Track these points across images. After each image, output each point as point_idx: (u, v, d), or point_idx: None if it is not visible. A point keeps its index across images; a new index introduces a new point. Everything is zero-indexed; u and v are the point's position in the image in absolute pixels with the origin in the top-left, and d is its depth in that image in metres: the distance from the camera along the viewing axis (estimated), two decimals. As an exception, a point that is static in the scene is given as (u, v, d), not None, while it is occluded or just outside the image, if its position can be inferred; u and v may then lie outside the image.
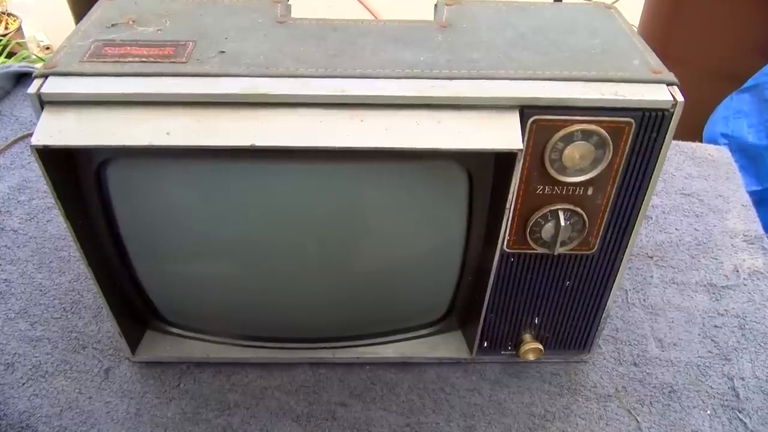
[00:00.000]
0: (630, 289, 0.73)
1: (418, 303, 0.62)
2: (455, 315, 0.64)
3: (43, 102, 0.47)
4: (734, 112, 1.34)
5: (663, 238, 0.79)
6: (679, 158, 0.89)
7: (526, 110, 0.48)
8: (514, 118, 0.47)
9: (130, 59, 0.49)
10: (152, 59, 0.49)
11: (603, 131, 0.48)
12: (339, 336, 0.64)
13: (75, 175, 0.50)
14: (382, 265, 0.57)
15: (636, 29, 1.57)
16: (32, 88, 0.47)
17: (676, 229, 0.80)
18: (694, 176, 0.88)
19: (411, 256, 0.57)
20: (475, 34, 0.54)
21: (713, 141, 1.35)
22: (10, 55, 1.83)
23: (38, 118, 0.47)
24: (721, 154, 0.91)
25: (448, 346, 0.65)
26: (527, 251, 0.56)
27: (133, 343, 0.63)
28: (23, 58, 1.79)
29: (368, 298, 0.60)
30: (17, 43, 1.89)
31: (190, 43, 0.51)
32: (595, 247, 0.56)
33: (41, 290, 0.71)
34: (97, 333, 0.67)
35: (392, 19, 0.57)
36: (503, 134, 0.47)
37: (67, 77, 0.48)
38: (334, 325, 0.64)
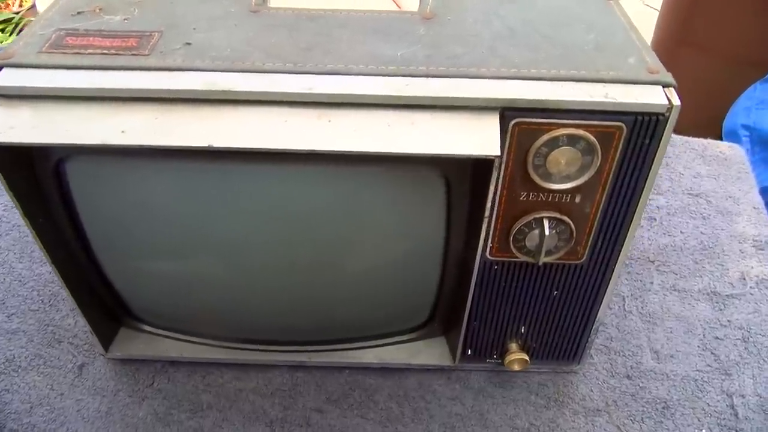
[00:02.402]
0: (628, 296, 0.69)
1: (398, 308, 0.59)
2: (438, 321, 0.61)
3: (-2, 96, 0.45)
4: (757, 103, 1.28)
5: (666, 241, 0.75)
6: (688, 156, 0.85)
7: (507, 112, 0.44)
8: (493, 121, 0.44)
9: (91, 51, 0.47)
10: (114, 51, 0.47)
11: (591, 136, 0.45)
12: (317, 339, 0.62)
13: (33, 172, 0.48)
14: (358, 268, 0.54)
15: (657, 15, 1.50)
16: (-15, 82, 0.45)
17: (681, 232, 0.76)
18: (703, 175, 0.83)
19: (388, 260, 0.54)
20: (460, 26, 0.50)
21: (733, 132, 1.29)
22: (22, 33, 1.82)
23: None
24: (734, 152, 0.86)
25: (430, 352, 0.62)
26: (511, 259, 0.52)
27: (106, 340, 0.61)
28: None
29: (345, 302, 0.58)
30: (30, 20, 1.88)
31: (156, 34, 0.48)
32: (584, 257, 0.53)
33: (20, 280, 0.69)
34: (74, 327, 0.65)
35: (375, 9, 0.53)
36: (480, 139, 0.43)
37: (23, 69, 0.45)
38: (311, 328, 0.61)
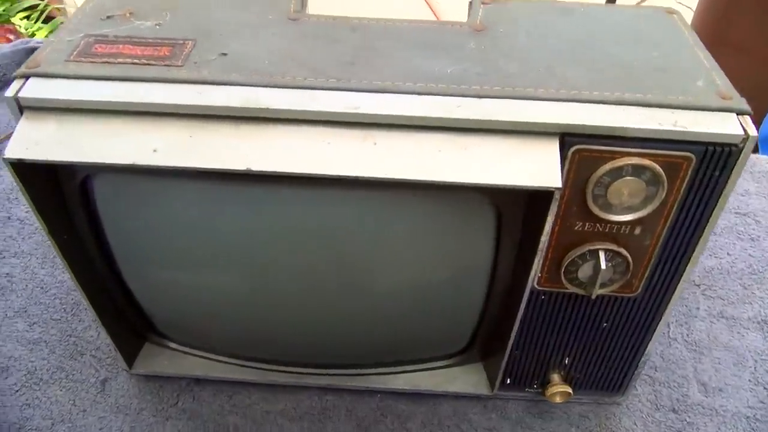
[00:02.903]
0: (672, 322, 0.65)
1: (436, 333, 0.56)
2: (476, 347, 0.58)
3: (22, 107, 0.42)
4: (797, 109, 1.22)
5: (713, 264, 0.71)
6: (736, 172, 0.80)
7: (567, 138, 0.40)
8: (552, 148, 0.40)
9: (121, 60, 0.43)
10: (145, 61, 0.43)
11: (657, 167, 0.41)
12: (349, 363, 0.59)
13: (58, 188, 0.45)
14: (396, 294, 0.51)
15: (691, 17, 1.43)
16: (11, 91, 0.42)
17: (728, 254, 0.72)
18: (751, 193, 0.78)
19: (428, 286, 0.50)
20: (513, 40, 0.46)
21: (768, 142, 1.24)
22: (47, 20, 1.80)
23: (16, 123, 0.42)
24: (785, 168, 0.81)
25: (466, 379, 0.59)
26: (560, 290, 0.49)
27: (130, 356, 0.58)
28: (60, 23, 1.76)
29: (380, 327, 0.54)
30: (56, 7, 1.86)
31: (189, 43, 0.45)
32: (639, 289, 0.49)
33: (42, 287, 0.67)
34: (96, 339, 0.62)
35: (421, 19, 0.49)
36: (539, 168, 0.39)
37: (49, 79, 0.42)
38: (344, 351, 0.58)
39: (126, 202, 0.46)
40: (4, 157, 0.40)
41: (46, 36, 1.63)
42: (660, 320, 0.51)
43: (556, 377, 0.56)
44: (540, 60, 0.45)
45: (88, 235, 0.48)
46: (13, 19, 1.69)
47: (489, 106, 0.41)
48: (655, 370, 0.61)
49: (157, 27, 0.47)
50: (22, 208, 0.74)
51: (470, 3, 0.50)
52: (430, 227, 0.46)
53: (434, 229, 0.46)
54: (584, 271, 0.47)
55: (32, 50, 0.88)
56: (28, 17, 1.72)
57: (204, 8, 0.49)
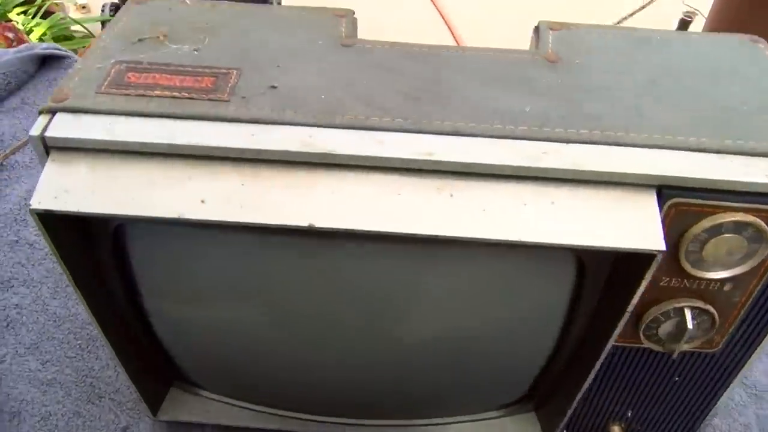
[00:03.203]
0: (729, 362, 0.61)
1: (493, 386, 0.51)
2: (533, 398, 0.53)
3: (48, 147, 0.37)
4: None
5: None
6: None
7: (664, 191, 0.36)
8: (650, 203, 0.36)
9: (159, 92, 0.38)
10: (186, 94, 0.38)
11: (762, 223, 0.36)
12: (392, 414, 0.54)
13: (87, 238, 0.40)
14: (457, 348, 0.46)
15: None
16: (36, 129, 0.36)
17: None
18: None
19: (492, 340, 0.46)
20: (591, 74, 0.42)
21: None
22: (46, 15, 1.72)
23: (41, 165, 0.37)
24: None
25: (518, 429, 0.54)
26: (634, 345, 0.44)
27: (155, 403, 0.54)
28: (60, 19, 1.69)
29: (437, 380, 0.50)
30: (54, 3, 1.78)
31: (234, 72, 0.40)
32: (720, 345, 0.44)
33: (55, 321, 0.62)
34: (115, 380, 0.57)
35: (482, 46, 0.44)
36: (639, 227, 0.35)
37: (79, 115, 0.37)
38: (387, 402, 0.53)
39: (164, 252, 0.41)
40: (31, 207, 0.35)
41: (45, 33, 1.56)
42: (737, 376, 0.47)
43: (616, 429, 0.52)
44: (624, 98, 0.40)
45: (118, 284, 0.43)
46: (9, 15, 1.61)
47: (578, 154, 0.36)
48: (714, 416, 0.57)
49: (196, 52, 0.42)
50: (32, 230, 0.69)
51: (537, 29, 0.46)
52: (500, 280, 0.41)
53: (505, 282, 0.41)
54: (665, 328, 0.43)
55: (38, 57, 0.82)
56: (25, 12, 1.65)
57: (245, 31, 0.44)
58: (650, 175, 0.36)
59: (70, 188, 0.35)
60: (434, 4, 1.57)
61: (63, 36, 1.65)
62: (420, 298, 0.42)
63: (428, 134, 0.37)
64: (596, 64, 0.43)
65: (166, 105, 0.38)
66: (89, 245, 0.40)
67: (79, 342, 0.60)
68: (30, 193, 0.72)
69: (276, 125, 0.37)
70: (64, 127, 0.36)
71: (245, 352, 0.48)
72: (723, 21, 1.25)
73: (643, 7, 1.80)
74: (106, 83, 0.39)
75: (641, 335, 0.43)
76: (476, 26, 1.77)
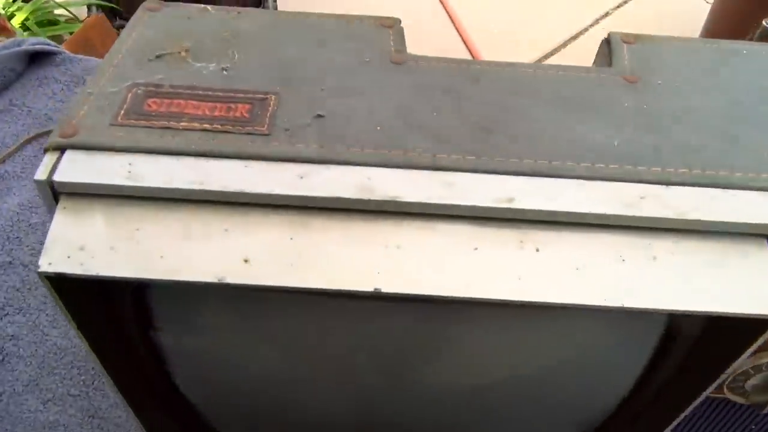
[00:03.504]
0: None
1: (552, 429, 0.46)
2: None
3: (57, 193, 0.31)
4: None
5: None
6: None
7: (776, 241, 0.31)
8: (762, 257, 0.31)
9: (185, 123, 0.32)
10: (218, 125, 0.32)
11: None
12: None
13: (106, 299, 0.34)
14: (525, 405, 0.41)
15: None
16: (42, 171, 0.30)
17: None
18: None
19: (556, 386, 0.41)
20: (676, 96, 0.36)
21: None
22: (27, -2, 1.62)
23: (50, 214, 0.31)
24: None
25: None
26: (716, 395, 0.40)
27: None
28: (43, 3, 1.59)
29: (496, 424, 0.45)
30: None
31: (272, 98, 0.34)
32: (807, 396, 0.40)
33: (56, 353, 0.56)
34: (126, 422, 0.52)
35: (545, 63, 0.39)
36: (752, 287, 0.30)
37: (92, 153, 0.31)
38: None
39: (191, 313, 0.35)
40: (39, 270, 0.29)
41: (27, 18, 1.47)
42: (818, 423, 0.43)
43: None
44: (717, 124, 0.35)
45: (139, 346, 0.37)
46: (-12, -2, 1.51)
47: (680, 198, 0.31)
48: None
49: (225, 72, 0.35)
50: (26, 250, 0.63)
51: (608, 42, 0.40)
52: (580, 341, 0.36)
53: (580, 340, 0.36)
54: (754, 381, 0.38)
55: (28, 54, 0.75)
56: (5, -6, 1.55)
57: (278, 45, 0.38)
58: (763, 224, 0.30)
59: (85, 245, 0.29)
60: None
61: (47, 20, 1.55)
62: (484, 354, 0.37)
63: (504, 175, 0.31)
64: (679, 83, 0.37)
65: (195, 140, 0.32)
66: (109, 307, 0.34)
67: (83, 378, 0.54)
68: (23, 207, 0.65)
69: (327, 165, 0.31)
70: (75, 169, 0.30)
71: (281, 406, 0.42)
72: (721, 23, 1.20)
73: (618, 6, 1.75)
74: (122, 112, 0.33)
75: (725, 388, 0.38)
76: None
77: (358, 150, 0.32)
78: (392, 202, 0.30)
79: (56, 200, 0.31)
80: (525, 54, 1.67)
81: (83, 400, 0.53)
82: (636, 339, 0.36)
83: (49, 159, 0.31)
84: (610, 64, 0.39)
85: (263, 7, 1.02)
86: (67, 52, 0.78)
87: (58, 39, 1.20)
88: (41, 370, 0.55)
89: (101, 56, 1.14)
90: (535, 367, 0.38)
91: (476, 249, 0.30)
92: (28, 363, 0.55)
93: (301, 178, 0.31)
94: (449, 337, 0.36)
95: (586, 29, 1.81)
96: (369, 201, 0.30)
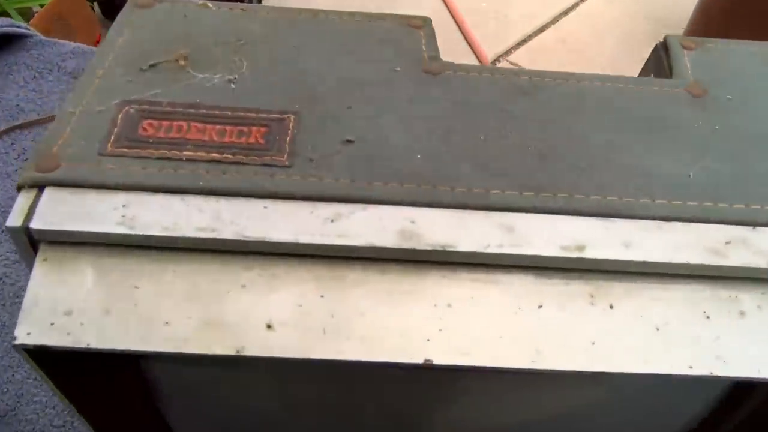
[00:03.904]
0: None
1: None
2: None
3: (35, 241, 0.25)
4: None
5: None
6: None
7: None
8: None
9: (190, 152, 0.27)
10: (230, 155, 0.27)
11: None
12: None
13: (101, 372, 0.28)
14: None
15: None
16: (15, 216, 0.25)
17: None
18: None
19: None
20: (752, 113, 0.32)
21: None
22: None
23: (27, 267, 0.25)
24: None
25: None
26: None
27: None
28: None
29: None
30: None
31: (291, 118, 0.29)
32: None
33: (36, 378, 0.50)
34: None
35: (597, 73, 0.34)
36: None
37: (78, 192, 0.25)
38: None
39: (199, 386, 0.30)
40: (16, 343, 0.23)
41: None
42: None
43: None
44: None
45: (146, 418, 0.32)
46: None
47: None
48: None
49: (233, 86, 0.30)
50: (-2, 260, 0.56)
51: (666, 47, 0.35)
52: (636, 394, 0.32)
53: (642, 396, 0.32)
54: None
55: (4, 36, 0.67)
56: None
57: (294, 51, 0.32)
58: None
59: (72, 308, 0.24)
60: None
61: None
62: (527, 413, 0.33)
63: (572, 216, 0.26)
64: (753, 98, 0.32)
65: (203, 174, 0.26)
66: (107, 379, 0.28)
67: (67, 408, 0.49)
68: (-7, 211, 0.59)
69: (361, 204, 0.26)
70: (57, 212, 0.25)
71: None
72: (701, 31, 1.16)
73: None
74: (112, 138, 0.27)
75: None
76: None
77: (398, 185, 0.27)
78: (442, 251, 0.25)
79: (35, 250, 0.25)
80: (516, 29, 1.61)
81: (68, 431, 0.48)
82: (702, 391, 0.32)
83: (24, 199, 0.25)
84: (669, 74, 0.34)
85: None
86: (39, 34, 0.70)
87: (26, 13, 1.11)
88: (19, 399, 0.49)
89: (75, 34, 1.05)
90: (586, 417, 0.34)
91: (541, 307, 0.25)
92: (4, 390, 0.49)
93: (332, 221, 0.25)
94: (490, 396, 0.31)
95: (576, 4, 1.75)
96: (414, 250, 0.25)
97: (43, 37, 0.70)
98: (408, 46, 0.33)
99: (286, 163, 0.27)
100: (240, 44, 0.32)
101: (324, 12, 0.34)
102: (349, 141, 0.28)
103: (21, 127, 0.61)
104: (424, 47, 0.33)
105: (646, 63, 0.37)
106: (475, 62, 1.51)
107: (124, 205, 0.25)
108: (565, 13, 1.78)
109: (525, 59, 1.54)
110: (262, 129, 0.28)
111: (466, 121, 0.29)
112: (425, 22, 0.34)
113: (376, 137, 0.28)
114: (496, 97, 0.31)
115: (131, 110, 0.28)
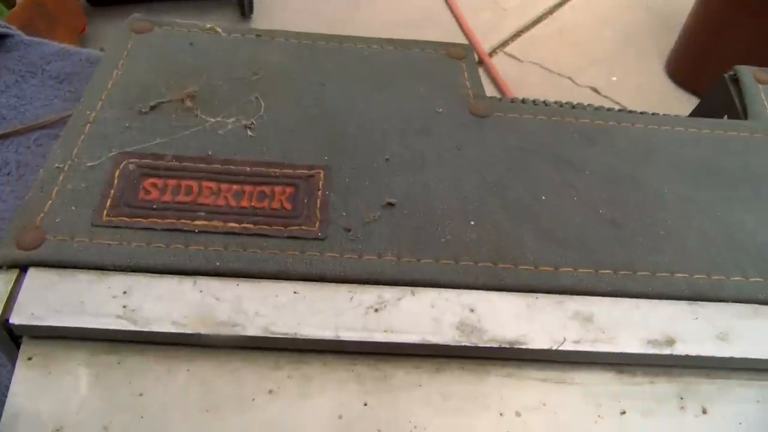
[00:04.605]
0: None
1: None
2: None
3: (17, 337, 0.20)
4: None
5: None
6: None
7: None
8: None
9: (203, 220, 0.22)
10: (250, 224, 0.22)
11: None
12: None
13: None
14: None
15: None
16: (-9, 309, 0.20)
17: None
18: None
19: None
20: None
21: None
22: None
23: (9, 365, 0.21)
24: None
25: None
26: None
27: None
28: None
29: None
30: None
31: (320, 174, 0.24)
32: None
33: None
34: None
35: (664, 115, 0.29)
36: None
37: (67, 274, 0.21)
38: None
39: None
40: (-8, 472, 0.19)
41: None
42: None
43: None
44: None
45: None
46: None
47: None
48: None
49: (250, 133, 0.25)
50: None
51: (736, 79, 0.30)
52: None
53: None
54: None
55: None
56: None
57: (319, 87, 0.27)
58: None
59: (64, 425, 0.19)
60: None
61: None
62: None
63: (655, 299, 0.22)
64: None
65: (219, 250, 0.21)
66: None
67: None
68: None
69: (410, 288, 0.21)
70: (43, 301, 0.20)
71: None
72: (700, 28, 1.12)
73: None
74: (108, 203, 0.22)
75: None
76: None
77: (451, 262, 0.22)
78: (509, 349, 0.21)
79: (17, 344, 0.20)
80: (512, 20, 1.56)
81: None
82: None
83: (2, 284, 0.20)
84: (743, 113, 0.29)
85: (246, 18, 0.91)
86: (20, 33, 0.64)
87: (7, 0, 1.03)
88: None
89: (57, 24, 0.98)
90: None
91: (624, 413, 0.21)
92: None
93: (375, 310, 0.21)
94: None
95: (574, -6, 1.70)
96: (476, 347, 0.21)
97: (25, 37, 0.64)
98: (449, 81, 0.28)
99: (318, 234, 0.22)
100: (256, 79, 0.27)
101: (350, 39, 0.29)
102: (389, 204, 0.23)
103: (2, 137, 0.56)
104: (467, 82, 0.28)
105: (707, 96, 0.33)
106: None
107: (124, 292, 0.20)
108: (562, 3, 1.73)
109: (521, 51, 1.49)
110: (288, 189, 0.23)
111: (524, 175, 0.25)
112: (466, 51, 0.29)
113: (421, 198, 0.24)
114: (555, 143, 0.26)
115: (130, 166, 0.23)
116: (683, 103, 1.04)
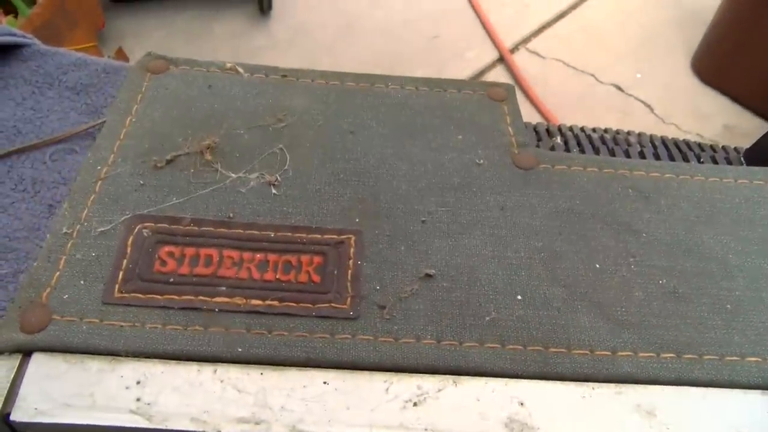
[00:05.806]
0: None
1: None
2: None
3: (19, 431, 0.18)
4: None
5: None
6: None
7: None
8: None
9: (224, 297, 0.20)
10: (276, 300, 0.20)
11: None
12: None
13: None
14: None
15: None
16: (-8, 402, 0.18)
17: None
18: None
19: None
20: None
21: None
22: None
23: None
24: None
25: None
26: None
27: None
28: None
29: None
30: None
31: (351, 241, 0.21)
32: None
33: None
34: None
35: (721, 166, 0.26)
36: None
37: (75, 360, 0.19)
38: None
39: None
40: None
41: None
42: None
43: None
44: None
45: None
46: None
47: None
48: None
49: (274, 190, 0.23)
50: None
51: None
52: None
53: None
54: None
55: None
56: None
57: (348, 137, 0.25)
58: None
59: None
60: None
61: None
62: None
63: (724, 388, 0.20)
64: None
65: (242, 333, 0.19)
66: None
67: None
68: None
69: (452, 377, 0.19)
70: (48, 393, 0.18)
71: None
72: (729, 24, 1.06)
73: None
74: (121, 277, 0.20)
75: None
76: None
77: (497, 345, 0.20)
78: (569, 451, 0.18)
79: (19, 440, 0.18)
80: (535, 16, 1.52)
81: None
82: None
83: (3, 372, 0.18)
84: (810, 161, 0.27)
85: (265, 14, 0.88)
86: (37, 42, 0.62)
87: None
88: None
89: (79, 26, 0.96)
90: None
91: None
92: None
93: (414, 404, 0.19)
94: None
95: (598, -11, 1.65)
96: (526, 447, 0.18)
97: (42, 46, 0.62)
98: (490, 128, 0.25)
99: (350, 312, 0.20)
100: (281, 127, 0.24)
101: (381, 79, 0.27)
102: (428, 275, 0.21)
103: (18, 151, 0.54)
104: (510, 128, 0.25)
105: (761, 140, 0.30)
106: (492, 50, 1.42)
107: (138, 382, 0.18)
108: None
109: (544, 47, 1.45)
110: (315, 259, 0.21)
111: (575, 241, 0.22)
112: (509, 92, 0.27)
113: (463, 268, 0.21)
114: (609, 203, 0.24)
115: (144, 231, 0.21)
116: (710, 102, 1.00)
